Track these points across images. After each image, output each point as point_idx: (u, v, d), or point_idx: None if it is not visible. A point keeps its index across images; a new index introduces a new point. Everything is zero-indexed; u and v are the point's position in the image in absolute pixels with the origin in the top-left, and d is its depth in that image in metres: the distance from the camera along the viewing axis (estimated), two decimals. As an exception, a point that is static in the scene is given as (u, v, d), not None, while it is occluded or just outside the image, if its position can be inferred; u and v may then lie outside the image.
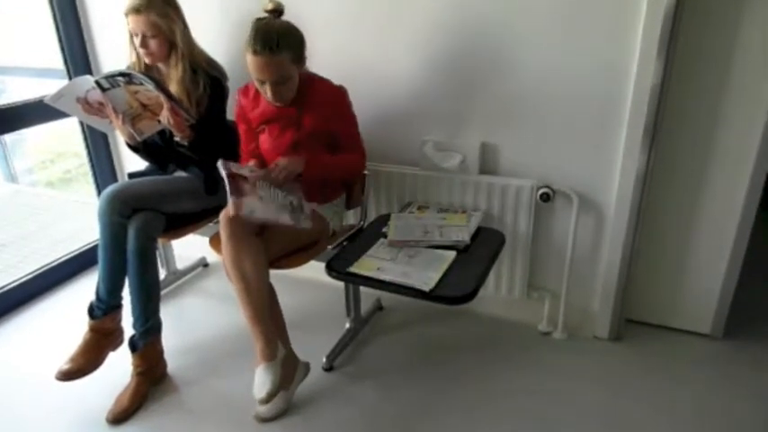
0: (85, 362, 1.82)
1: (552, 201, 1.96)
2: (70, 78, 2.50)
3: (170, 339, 2.05)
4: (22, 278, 2.44)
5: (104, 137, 2.66)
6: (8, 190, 4.72)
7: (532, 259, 2.10)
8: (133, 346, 1.86)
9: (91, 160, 2.67)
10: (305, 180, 1.80)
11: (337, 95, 1.83)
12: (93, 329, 1.87)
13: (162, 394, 1.91)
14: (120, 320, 1.94)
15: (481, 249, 1.80)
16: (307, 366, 1.86)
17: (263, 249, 1.71)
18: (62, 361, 1.81)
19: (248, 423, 1.76)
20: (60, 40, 2.46)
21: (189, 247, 2.52)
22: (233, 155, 1.96)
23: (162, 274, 2.52)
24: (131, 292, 1.86)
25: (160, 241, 2.20)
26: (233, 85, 2.01)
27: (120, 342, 1.95)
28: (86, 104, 1.87)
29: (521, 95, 1.91)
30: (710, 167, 1.88)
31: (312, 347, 1.93)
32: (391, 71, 2.06)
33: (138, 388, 1.85)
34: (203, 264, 2.72)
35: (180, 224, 2.03)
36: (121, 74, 1.75)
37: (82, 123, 2.58)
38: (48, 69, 3.45)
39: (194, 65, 1.94)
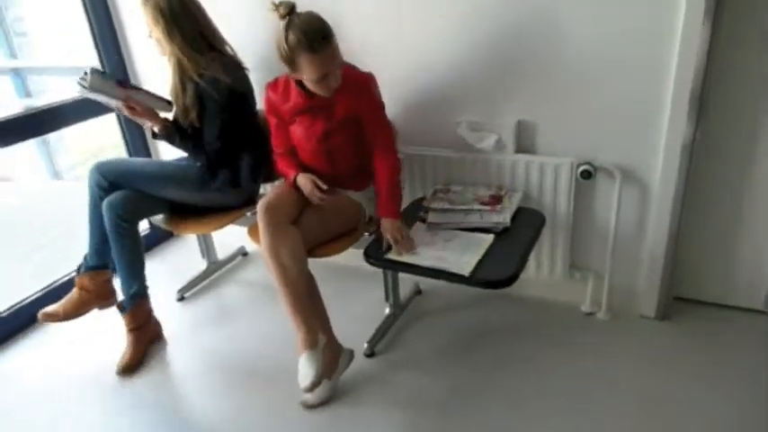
0: (64, 311, 2.06)
1: (593, 178, 1.90)
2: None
3: (211, 328, 2.10)
4: (73, 273, 2.51)
5: (141, 131, 2.71)
6: (53, 187, 4.89)
7: (574, 239, 2.05)
8: (121, 308, 2.07)
9: (129, 154, 2.73)
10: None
11: (366, 82, 1.80)
12: (76, 284, 2.09)
13: (204, 382, 1.96)
14: (102, 282, 2.10)
15: (521, 231, 1.77)
16: (351, 353, 1.87)
17: (301, 238, 1.72)
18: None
19: (294, 410, 1.78)
20: (94, 38, 2.51)
21: (228, 237, 2.56)
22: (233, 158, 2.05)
23: (203, 264, 2.59)
24: (114, 260, 2.05)
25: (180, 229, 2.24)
26: (261, 79, 2.00)
27: (110, 303, 2.14)
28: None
29: (559, 69, 1.85)
30: (761, 137, 1.79)
31: (353, 334, 1.94)
32: (430, 53, 2.01)
33: (133, 343, 2.07)
34: (243, 253, 2.77)
35: (190, 215, 2.12)
36: (88, 72, 1.84)
37: (119, 117, 2.63)
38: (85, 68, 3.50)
39: (183, 74, 1.92)
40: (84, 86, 1.84)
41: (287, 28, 1.59)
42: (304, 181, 1.83)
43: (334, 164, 1.86)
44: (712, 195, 1.92)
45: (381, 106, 1.86)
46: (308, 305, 1.71)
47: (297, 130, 1.86)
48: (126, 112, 1.95)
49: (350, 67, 1.81)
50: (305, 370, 1.65)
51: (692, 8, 1.60)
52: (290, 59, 1.63)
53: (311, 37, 1.58)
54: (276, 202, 1.75)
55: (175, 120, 2.05)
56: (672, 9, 1.64)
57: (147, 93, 1.98)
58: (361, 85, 1.79)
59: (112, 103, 1.94)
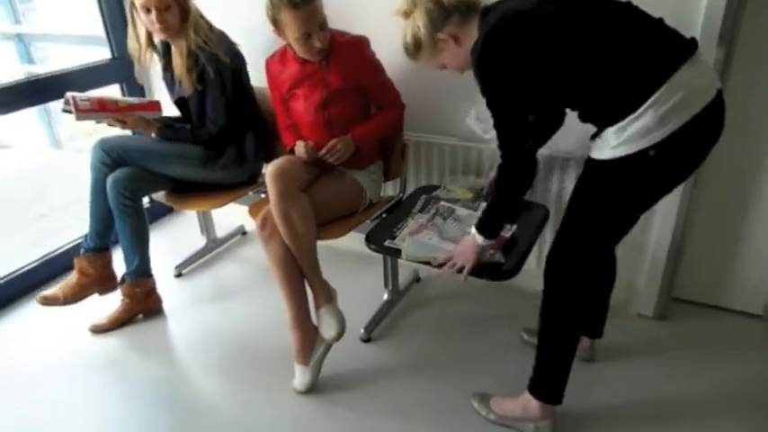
0: (64, 295, 2.05)
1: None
2: (110, 45, 2.52)
3: (208, 305, 2.11)
4: (71, 243, 2.51)
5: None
6: (54, 156, 4.86)
7: (576, 234, 2.03)
8: (122, 279, 2.10)
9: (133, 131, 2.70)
10: (362, 151, 1.85)
11: (359, 48, 1.80)
12: (75, 267, 2.07)
13: (199, 357, 1.96)
14: (101, 266, 2.08)
15: (525, 224, 1.75)
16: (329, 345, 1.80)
17: (311, 207, 1.72)
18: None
19: (288, 389, 1.78)
20: (100, 7, 2.46)
21: (228, 215, 2.54)
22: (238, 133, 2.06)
23: (202, 241, 2.58)
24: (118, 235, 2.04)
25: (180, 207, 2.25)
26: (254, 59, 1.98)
27: (109, 288, 2.13)
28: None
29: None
30: (773, 140, 1.77)
31: (350, 318, 1.92)
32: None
33: (119, 311, 2.10)
34: (242, 232, 2.75)
35: (192, 192, 2.11)
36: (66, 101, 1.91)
37: (122, 90, 2.60)
38: (89, 36, 3.47)
39: (193, 42, 1.89)
40: (70, 111, 1.90)
41: None
42: (298, 145, 1.83)
43: (335, 136, 1.83)
44: (718, 197, 1.90)
45: (380, 68, 1.86)
46: (317, 266, 1.74)
47: (296, 106, 1.86)
48: (118, 126, 1.99)
49: (340, 35, 1.80)
50: (327, 323, 1.70)
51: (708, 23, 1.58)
52: (274, 19, 1.67)
53: None
54: (287, 170, 1.73)
55: (166, 119, 2.08)
56: (689, 12, 1.61)
57: (132, 104, 2.00)
58: (353, 50, 1.79)
59: (104, 120, 1.98)
